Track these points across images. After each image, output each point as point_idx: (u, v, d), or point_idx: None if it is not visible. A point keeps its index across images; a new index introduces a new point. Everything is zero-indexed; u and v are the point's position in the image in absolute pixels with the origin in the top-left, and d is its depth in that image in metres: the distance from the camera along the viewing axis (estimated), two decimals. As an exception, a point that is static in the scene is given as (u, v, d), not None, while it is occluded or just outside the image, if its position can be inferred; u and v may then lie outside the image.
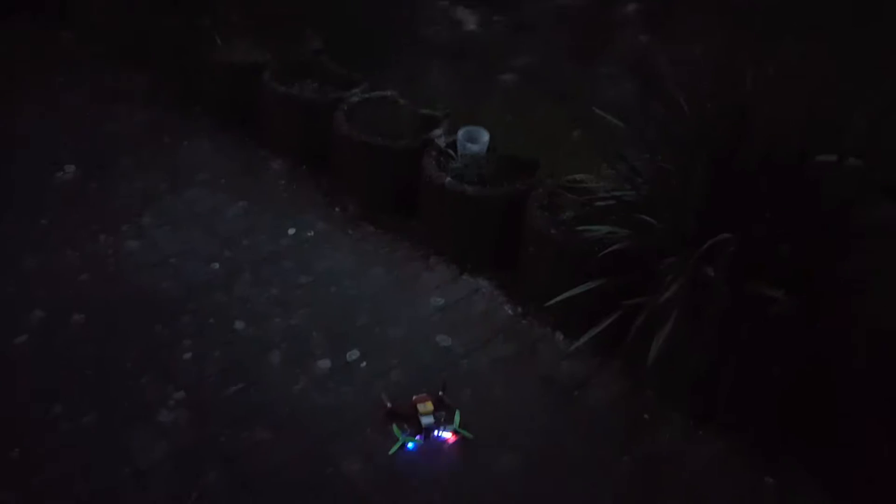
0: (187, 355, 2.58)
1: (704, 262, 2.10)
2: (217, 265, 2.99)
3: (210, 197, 3.38)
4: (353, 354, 2.62)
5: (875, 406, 2.10)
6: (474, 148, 2.99)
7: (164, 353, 2.58)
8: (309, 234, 3.20)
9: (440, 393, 2.44)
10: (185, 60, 3.89)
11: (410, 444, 2.30)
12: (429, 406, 2.38)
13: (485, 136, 3.02)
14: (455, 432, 2.33)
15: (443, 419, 2.37)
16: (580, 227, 2.50)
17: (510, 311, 2.85)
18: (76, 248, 3.02)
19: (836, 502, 2.16)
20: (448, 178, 2.95)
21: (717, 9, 2.69)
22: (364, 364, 2.59)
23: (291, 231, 3.20)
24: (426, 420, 2.34)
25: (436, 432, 2.32)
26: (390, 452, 2.28)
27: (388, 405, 2.40)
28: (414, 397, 2.41)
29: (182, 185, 3.44)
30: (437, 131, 3.20)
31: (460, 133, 3.03)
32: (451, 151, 3.07)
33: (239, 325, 2.72)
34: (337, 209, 3.36)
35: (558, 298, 2.41)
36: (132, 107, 3.95)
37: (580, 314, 2.43)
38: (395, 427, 2.34)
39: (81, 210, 3.23)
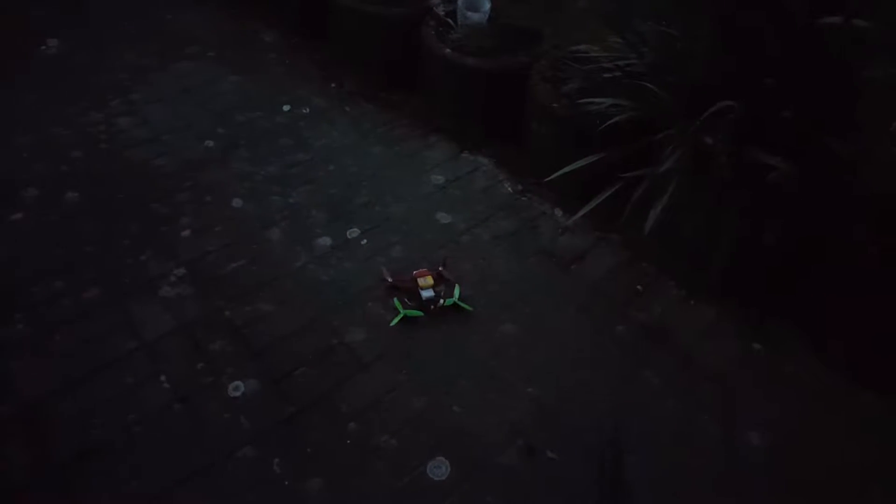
0: (186, 232, 2.58)
1: (705, 132, 2.07)
2: (211, 142, 2.94)
3: (200, 71, 3.27)
4: (353, 232, 2.62)
5: (867, 274, 2.12)
6: (475, 17, 2.86)
7: (163, 230, 2.58)
8: (305, 110, 3.12)
9: (440, 268, 2.46)
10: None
11: (411, 316, 2.34)
12: (429, 280, 2.40)
13: (486, 5, 2.89)
14: (454, 305, 2.37)
15: (443, 293, 2.40)
16: (583, 100, 2.44)
17: (510, 188, 2.83)
18: (67, 125, 2.95)
19: (823, 367, 2.23)
20: (448, 50, 2.84)
21: None
22: (364, 241, 2.60)
23: (286, 107, 3.12)
24: (426, 294, 2.37)
25: (434, 305, 2.36)
26: (391, 324, 2.32)
27: (389, 280, 2.43)
28: (414, 272, 2.43)
29: (170, 58, 3.32)
30: (436, -1, 3.06)
31: (460, 1, 2.89)
32: (450, 21, 2.95)
33: (237, 202, 2.71)
34: (333, 85, 3.26)
35: (559, 173, 2.38)
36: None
37: (580, 189, 2.41)
38: (396, 300, 2.37)
39: (69, 86, 3.14)
